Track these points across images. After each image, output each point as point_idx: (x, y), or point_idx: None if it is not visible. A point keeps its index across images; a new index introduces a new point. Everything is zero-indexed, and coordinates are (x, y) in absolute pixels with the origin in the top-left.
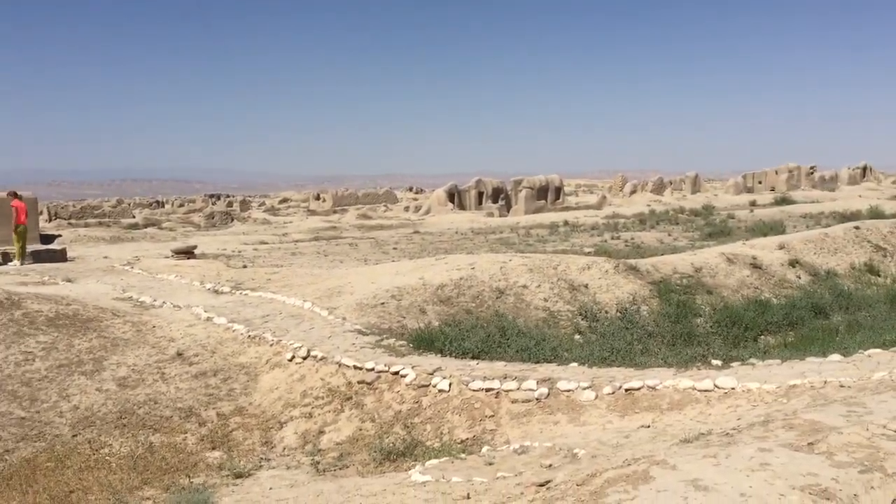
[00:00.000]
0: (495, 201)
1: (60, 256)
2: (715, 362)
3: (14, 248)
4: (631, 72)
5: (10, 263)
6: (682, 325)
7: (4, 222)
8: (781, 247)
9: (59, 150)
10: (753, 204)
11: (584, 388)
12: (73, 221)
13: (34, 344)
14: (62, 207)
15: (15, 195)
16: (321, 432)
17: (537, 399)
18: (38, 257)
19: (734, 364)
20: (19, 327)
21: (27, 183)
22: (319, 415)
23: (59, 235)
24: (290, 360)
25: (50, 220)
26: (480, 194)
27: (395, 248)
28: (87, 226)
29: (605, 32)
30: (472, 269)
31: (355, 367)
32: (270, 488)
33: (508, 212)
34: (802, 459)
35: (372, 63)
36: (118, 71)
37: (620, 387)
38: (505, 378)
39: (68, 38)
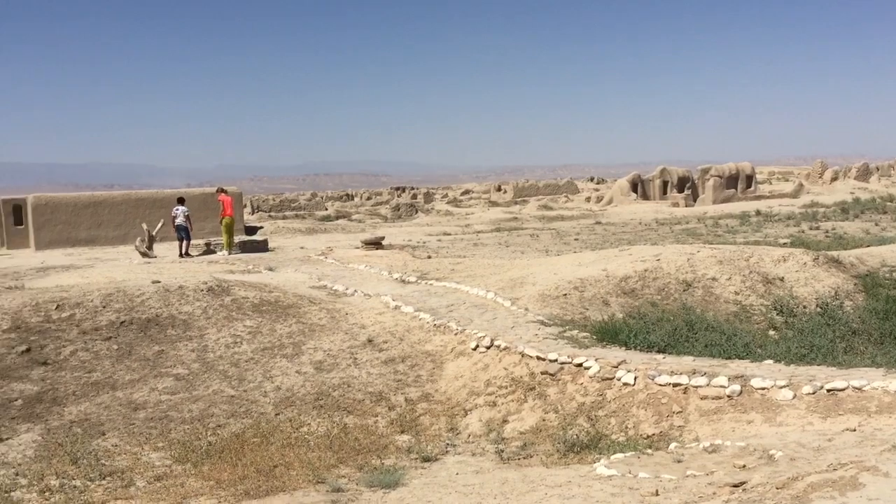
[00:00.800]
0: (681, 191)
1: (262, 246)
2: None
3: (223, 239)
4: (830, 47)
5: (218, 252)
6: (893, 323)
7: (213, 215)
8: None
9: (259, 146)
10: None
11: (781, 387)
12: (272, 214)
13: (241, 328)
14: (263, 201)
15: (222, 190)
16: (505, 421)
17: (729, 396)
18: (244, 247)
19: None
20: (229, 312)
21: (233, 178)
22: (503, 404)
23: (261, 227)
24: (474, 349)
25: (252, 213)
26: (665, 183)
27: (576, 239)
28: (284, 218)
29: (798, 5)
30: (658, 260)
31: (538, 358)
32: (457, 473)
33: (695, 201)
34: None
35: (550, 52)
36: (311, 72)
37: (822, 387)
38: (693, 373)
39: (263, 41)
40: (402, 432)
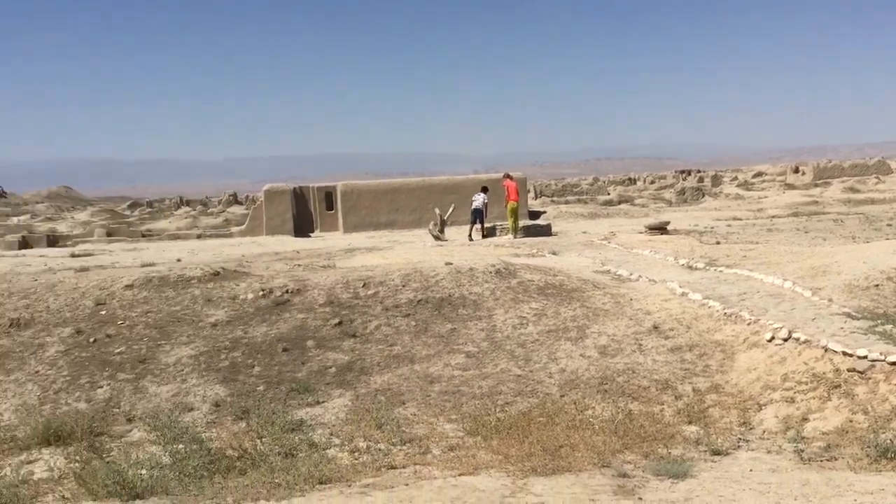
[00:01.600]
0: None
1: (546, 231)
2: None
3: (508, 223)
4: None
5: (504, 236)
6: None
7: (498, 200)
8: None
9: (542, 132)
10: None
11: None
12: (555, 199)
13: (527, 310)
14: (546, 186)
15: (507, 176)
16: (804, 419)
17: None
18: (528, 231)
19: None
20: (515, 294)
21: (517, 164)
22: (802, 401)
23: (544, 211)
24: (769, 341)
25: (536, 198)
26: None
27: (889, 225)
28: (567, 203)
29: None
30: None
31: (844, 354)
32: (751, 470)
33: None
34: None
35: (854, 8)
36: (595, 57)
37: None
38: None
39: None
40: (690, 423)
